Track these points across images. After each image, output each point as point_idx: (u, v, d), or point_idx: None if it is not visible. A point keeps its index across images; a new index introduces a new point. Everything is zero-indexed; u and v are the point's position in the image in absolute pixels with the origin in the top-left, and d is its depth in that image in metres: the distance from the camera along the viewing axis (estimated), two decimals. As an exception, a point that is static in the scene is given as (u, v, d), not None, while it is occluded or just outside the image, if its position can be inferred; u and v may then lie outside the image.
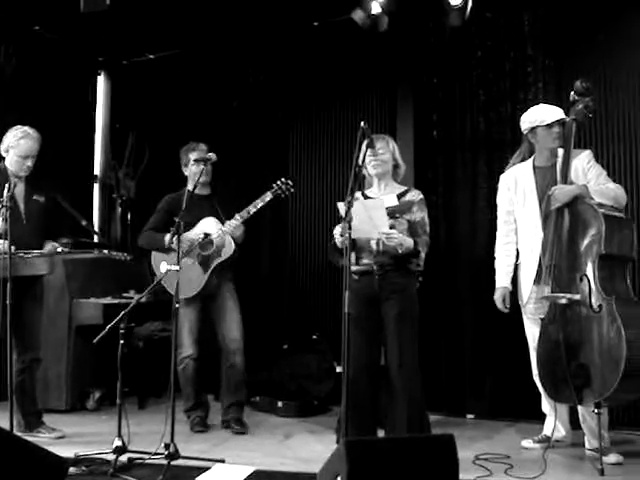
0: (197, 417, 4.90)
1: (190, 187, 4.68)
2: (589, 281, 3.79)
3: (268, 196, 4.78)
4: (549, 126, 4.25)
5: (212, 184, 5.03)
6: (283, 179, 4.84)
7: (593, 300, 3.75)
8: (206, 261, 4.79)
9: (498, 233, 4.54)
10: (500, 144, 5.37)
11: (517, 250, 4.44)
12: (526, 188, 4.34)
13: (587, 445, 4.16)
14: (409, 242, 4.02)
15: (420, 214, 4.17)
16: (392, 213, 4.03)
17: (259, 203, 4.76)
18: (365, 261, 4.11)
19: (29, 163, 4.50)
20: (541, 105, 4.42)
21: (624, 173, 4.93)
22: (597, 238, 3.80)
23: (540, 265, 4.14)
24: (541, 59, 5.29)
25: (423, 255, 4.14)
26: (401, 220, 4.08)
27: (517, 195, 4.39)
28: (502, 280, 4.45)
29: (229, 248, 4.78)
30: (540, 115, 4.29)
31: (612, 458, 3.97)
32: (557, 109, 4.30)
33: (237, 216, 4.75)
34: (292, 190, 4.86)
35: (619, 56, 5.02)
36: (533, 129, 4.32)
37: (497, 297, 4.43)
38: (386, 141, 4.25)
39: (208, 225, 4.81)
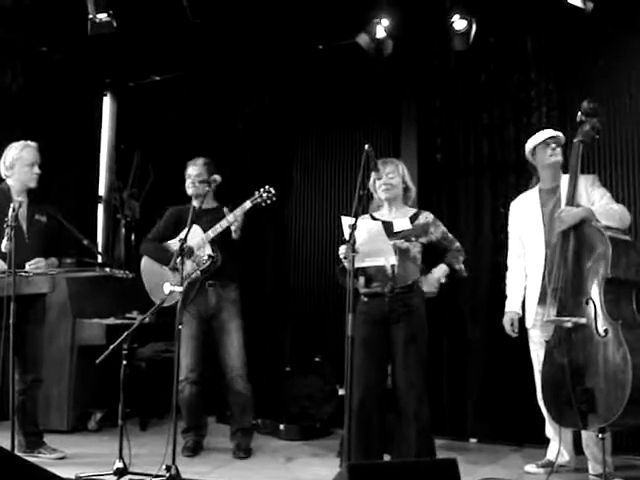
0: (189, 441, 4.85)
1: (195, 204, 4.86)
2: (595, 305, 3.77)
3: (247, 205, 4.70)
4: (545, 143, 4.35)
5: (217, 195, 5.02)
6: (265, 187, 4.73)
7: (599, 324, 3.72)
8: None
9: (509, 260, 4.57)
10: (504, 167, 5.40)
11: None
12: (532, 211, 4.38)
13: (590, 470, 4.13)
14: (442, 271, 4.13)
15: (439, 230, 4.22)
16: (407, 236, 4.03)
17: (239, 212, 4.70)
18: (376, 284, 4.10)
19: (36, 170, 4.55)
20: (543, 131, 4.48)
21: (627, 196, 4.93)
22: (603, 261, 3.78)
23: (543, 286, 4.14)
24: (544, 83, 5.32)
25: (461, 266, 4.22)
26: (415, 243, 4.08)
27: (524, 219, 4.42)
28: (512, 305, 4.46)
29: (204, 257, 4.68)
30: (538, 136, 4.41)
31: (616, 483, 3.95)
32: (552, 131, 4.41)
33: (217, 226, 4.72)
34: (274, 199, 4.73)
35: (621, 80, 5.04)
36: (534, 150, 4.40)
37: (506, 321, 4.44)
38: (395, 165, 4.26)
39: (192, 234, 4.77)
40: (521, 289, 4.45)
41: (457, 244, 4.27)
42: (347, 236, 3.64)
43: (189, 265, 4.70)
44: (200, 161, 4.99)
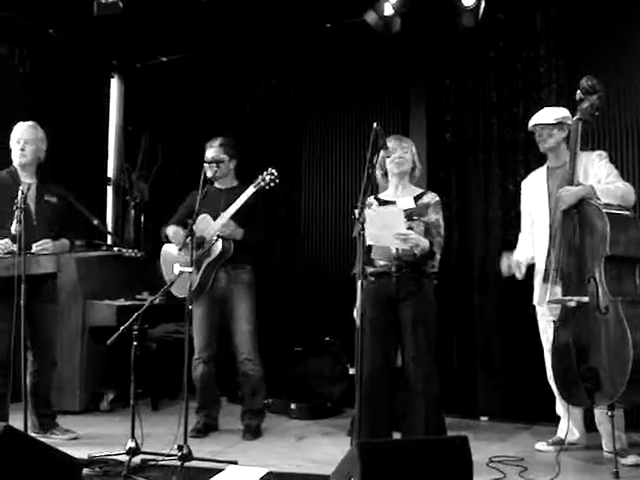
0: (200, 421, 4.87)
1: (217, 185, 4.91)
2: (596, 283, 3.76)
3: (251, 190, 4.66)
4: (532, 131, 4.38)
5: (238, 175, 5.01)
6: (268, 170, 4.68)
7: (600, 302, 3.72)
8: (198, 260, 4.68)
9: (520, 236, 4.57)
10: (513, 145, 5.37)
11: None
12: (539, 189, 4.38)
13: (604, 447, 4.14)
14: (425, 243, 3.97)
15: (435, 216, 4.14)
16: (410, 215, 4.01)
17: (243, 197, 4.66)
18: (382, 263, 4.09)
19: (20, 146, 4.52)
20: (542, 110, 4.45)
21: (637, 174, 4.90)
22: (602, 239, 3.77)
23: (547, 265, 4.15)
24: (554, 60, 5.27)
25: (438, 256, 4.11)
26: (418, 222, 4.05)
27: (533, 196, 4.42)
28: (517, 254, 4.44)
29: (217, 247, 4.68)
30: (531, 121, 4.41)
31: (630, 459, 3.96)
32: (546, 112, 4.36)
33: (224, 214, 4.68)
34: (277, 181, 4.67)
35: (632, 56, 5.00)
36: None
37: (503, 261, 4.42)
38: (408, 142, 4.26)
39: (202, 223, 4.72)
40: (528, 251, 4.42)
41: (439, 239, 4.11)
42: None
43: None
44: (216, 142, 4.95)
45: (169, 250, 4.93)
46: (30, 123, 4.61)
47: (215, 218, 4.70)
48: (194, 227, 4.32)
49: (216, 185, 4.95)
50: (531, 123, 4.39)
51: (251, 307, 4.87)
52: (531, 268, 4.43)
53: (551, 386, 4.29)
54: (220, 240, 4.67)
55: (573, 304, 3.83)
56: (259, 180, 4.68)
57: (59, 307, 4.87)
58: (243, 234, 4.73)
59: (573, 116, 4.14)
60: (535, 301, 4.38)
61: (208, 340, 4.84)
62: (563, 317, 3.95)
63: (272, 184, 4.69)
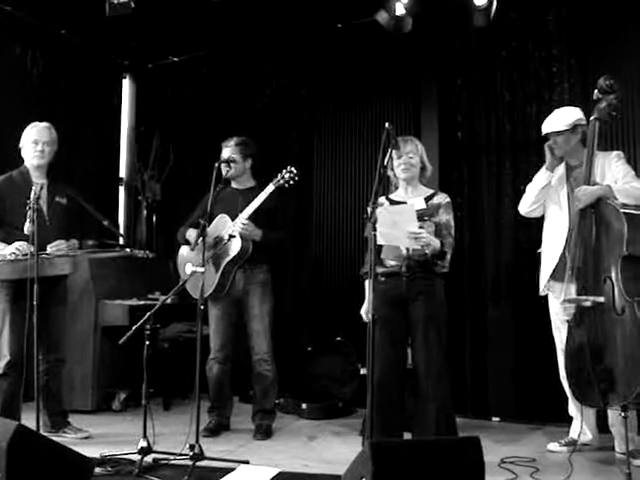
0: (212, 421, 4.88)
1: (234, 185, 4.91)
2: (612, 283, 3.74)
3: (270, 188, 4.64)
4: (547, 137, 4.34)
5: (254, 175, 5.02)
6: (287, 167, 4.67)
7: (617, 302, 3.69)
8: (217, 260, 4.70)
9: None
10: (525, 145, 5.34)
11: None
12: (559, 185, 4.35)
13: (617, 449, 4.12)
14: (436, 242, 3.96)
15: (446, 216, 4.14)
16: (421, 216, 4.01)
17: (262, 196, 4.64)
18: (392, 263, 4.09)
19: (39, 147, 4.53)
20: (554, 112, 4.42)
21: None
22: (619, 239, 3.74)
23: (560, 262, 4.15)
24: (566, 59, 5.25)
25: (449, 257, 4.10)
26: (429, 222, 4.04)
27: (553, 191, 4.38)
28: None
29: (235, 246, 4.65)
30: (543, 126, 4.38)
31: (642, 461, 3.94)
32: (558, 116, 4.32)
33: (243, 214, 4.66)
34: (296, 178, 4.66)
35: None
36: None
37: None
38: (415, 144, 4.22)
39: (220, 223, 4.74)
40: None
41: (450, 240, 4.11)
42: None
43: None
44: (232, 142, 4.94)
45: (185, 251, 4.94)
46: (46, 124, 4.61)
47: (234, 218, 4.69)
48: (209, 227, 4.32)
49: (233, 185, 4.96)
50: (544, 129, 4.35)
51: (267, 307, 4.87)
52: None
53: (564, 386, 4.28)
54: (237, 239, 4.65)
55: (588, 304, 3.80)
56: (278, 178, 4.66)
57: (70, 307, 4.89)
58: (262, 235, 4.72)
59: (589, 115, 4.12)
60: (541, 292, 4.38)
61: (224, 341, 4.85)
62: (578, 317, 3.92)
63: (292, 182, 4.67)
